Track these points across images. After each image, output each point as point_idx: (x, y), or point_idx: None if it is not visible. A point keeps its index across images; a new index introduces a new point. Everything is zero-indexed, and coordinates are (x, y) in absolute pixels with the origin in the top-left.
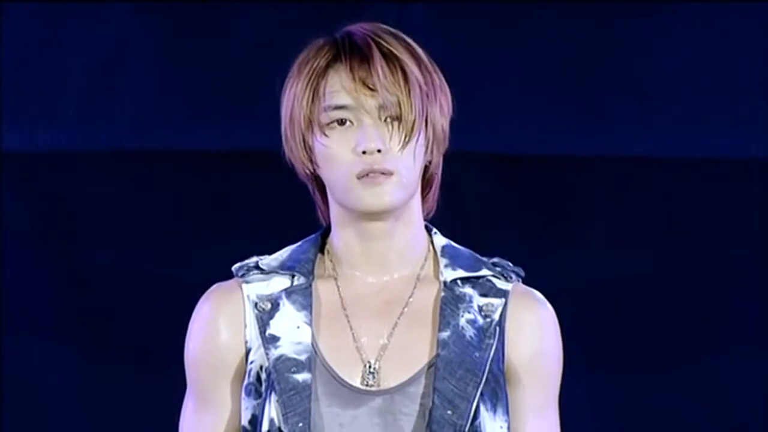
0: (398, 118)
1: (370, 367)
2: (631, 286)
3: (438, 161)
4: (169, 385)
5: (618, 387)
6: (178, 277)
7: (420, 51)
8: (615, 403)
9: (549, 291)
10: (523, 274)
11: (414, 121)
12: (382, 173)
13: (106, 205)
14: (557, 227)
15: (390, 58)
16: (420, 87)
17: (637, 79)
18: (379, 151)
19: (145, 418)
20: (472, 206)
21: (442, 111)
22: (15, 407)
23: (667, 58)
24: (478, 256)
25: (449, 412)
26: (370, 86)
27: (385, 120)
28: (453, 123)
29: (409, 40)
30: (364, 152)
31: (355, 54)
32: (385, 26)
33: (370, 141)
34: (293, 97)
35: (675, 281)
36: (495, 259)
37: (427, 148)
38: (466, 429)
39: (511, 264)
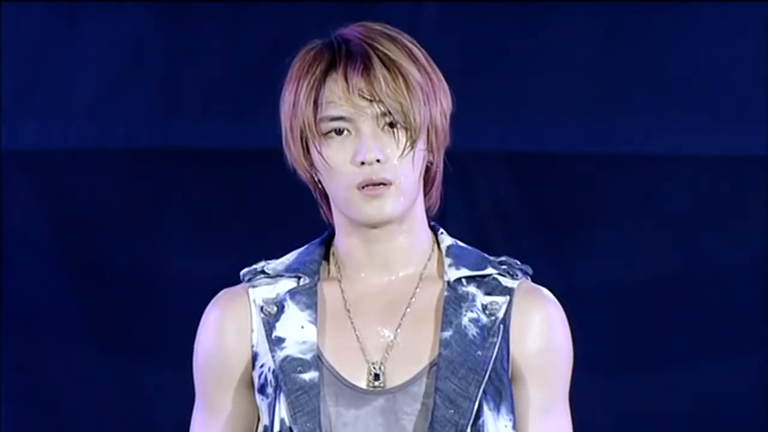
0: (399, 125)
1: (373, 367)
2: (637, 285)
3: (439, 159)
4: (183, 381)
5: (621, 387)
6: (191, 274)
7: (416, 50)
8: (617, 404)
9: (560, 290)
10: (530, 271)
11: (418, 127)
12: (382, 184)
13: (118, 203)
14: (570, 225)
15: (389, 65)
16: (422, 90)
17: (654, 78)
18: (378, 161)
19: (158, 414)
20: (488, 205)
21: (442, 110)
22: (32, 403)
23: (685, 57)
24: (486, 255)
25: (451, 411)
26: (368, 96)
27: (383, 128)
28: (468, 122)
29: (405, 40)
30: (363, 163)
31: (351, 63)
32: (379, 27)
33: (369, 152)
34: (291, 106)
35: (679, 281)
36: (502, 258)
37: (427, 150)
38: (468, 428)
39: (518, 262)
